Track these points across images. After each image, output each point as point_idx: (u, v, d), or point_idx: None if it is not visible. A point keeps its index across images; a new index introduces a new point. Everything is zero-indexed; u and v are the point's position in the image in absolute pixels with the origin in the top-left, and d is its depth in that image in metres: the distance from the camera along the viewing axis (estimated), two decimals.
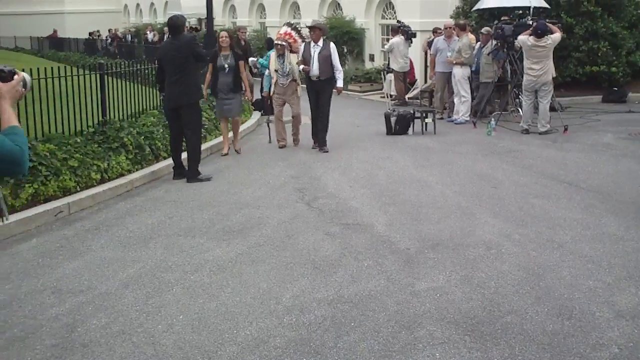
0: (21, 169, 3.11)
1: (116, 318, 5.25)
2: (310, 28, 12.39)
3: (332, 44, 12.36)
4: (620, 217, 7.70)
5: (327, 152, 11.94)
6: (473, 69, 15.24)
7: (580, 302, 5.40)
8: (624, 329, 4.92)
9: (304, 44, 12.45)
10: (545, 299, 5.47)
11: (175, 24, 10.02)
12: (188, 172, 9.94)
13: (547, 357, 4.52)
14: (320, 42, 12.17)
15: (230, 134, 12.29)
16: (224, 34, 12.04)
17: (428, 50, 17.66)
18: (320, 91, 12.21)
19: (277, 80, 12.43)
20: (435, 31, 17.42)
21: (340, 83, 12.36)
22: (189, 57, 9.80)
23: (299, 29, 13.02)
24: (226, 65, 11.55)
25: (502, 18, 14.87)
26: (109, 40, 35.51)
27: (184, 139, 10.09)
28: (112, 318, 5.25)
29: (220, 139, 12.50)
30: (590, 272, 6.04)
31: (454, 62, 15.08)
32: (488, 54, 14.80)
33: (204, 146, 11.65)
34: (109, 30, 38.53)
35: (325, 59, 12.06)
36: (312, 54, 12.15)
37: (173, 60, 9.81)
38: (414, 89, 19.20)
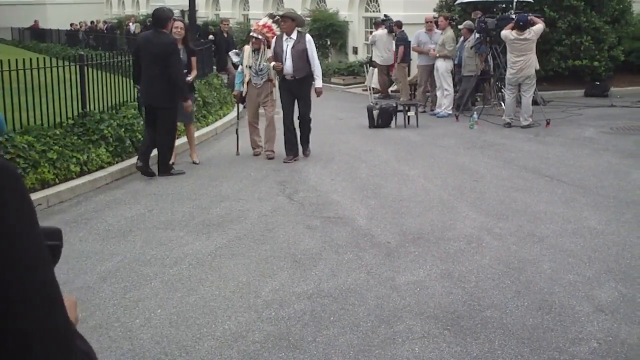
0: None
1: (93, 312, 5.19)
2: (281, 17, 10.63)
3: (308, 37, 10.64)
4: (601, 211, 7.71)
5: (308, 155, 10.84)
6: (456, 62, 15.24)
7: (560, 296, 5.40)
8: (603, 323, 4.92)
9: (275, 37, 10.69)
10: (525, 293, 5.46)
11: (160, 16, 9.47)
12: (160, 168, 9.61)
13: (527, 352, 4.51)
14: (294, 35, 10.45)
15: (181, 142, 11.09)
16: (178, 24, 10.30)
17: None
18: (297, 92, 10.58)
19: (250, 79, 10.86)
20: (397, 25, 17.65)
21: (318, 83, 10.58)
22: (162, 57, 9.22)
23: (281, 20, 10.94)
24: None
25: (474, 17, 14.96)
26: (81, 30, 35.46)
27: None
28: (89, 312, 5.18)
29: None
30: (570, 266, 6.04)
31: (437, 55, 15.08)
32: (471, 48, 14.79)
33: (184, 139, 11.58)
34: (91, 22, 38.28)
35: (300, 55, 10.34)
36: (284, 48, 10.43)
37: (151, 55, 9.27)
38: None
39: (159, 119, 9.46)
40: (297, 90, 10.56)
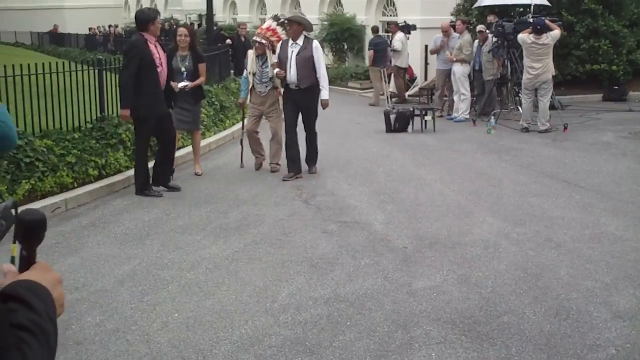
0: (5, 144, 3.06)
1: (111, 315, 5.22)
2: (287, 21, 9.72)
3: (315, 43, 9.63)
4: (619, 217, 7.67)
5: (315, 172, 9.88)
6: (476, 67, 15.18)
7: (578, 302, 5.37)
8: (621, 329, 4.89)
9: (281, 42, 9.78)
10: (543, 298, 5.44)
11: (138, 18, 8.78)
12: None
13: (544, 358, 4.49)
14: (300, 40, 9.49)
15: (183, 151, 10.72)
16: (182, 31, 9.84)
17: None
18: (302, 104, 9.62)
19: (253, 87, 10.06)
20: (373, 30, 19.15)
21: (325, 94, 9.62)
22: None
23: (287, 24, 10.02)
24: (183, 68, 9.62)
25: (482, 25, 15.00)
26: (98, 34, 35.93)
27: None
28: (106, 315, 5.22)
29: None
30: (588, 272, 6.01)
31: (455, 59, 15.05)
32: (488, 52, 14.77)
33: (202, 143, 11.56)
34: (109, 26, 38.57)
35: (305, 62, 9.41)
36: (289, 54, 9.52)
37: None
38: (413, 87, 19.18)
39: None
40: (301, 101, 9.61)
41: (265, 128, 10.46)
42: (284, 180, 9.56)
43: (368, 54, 18.26)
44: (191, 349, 4.67)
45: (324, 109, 9.76)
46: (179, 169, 10.23)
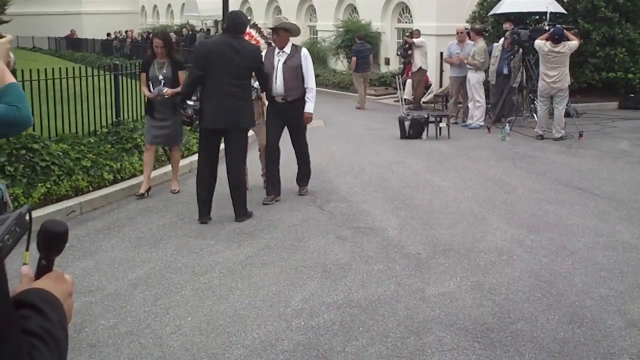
0: (20, 127, 3.13)
1: (124, 319, 5.25)
2: (273, 30, 8.66)
3: (304, 51, 8.76)
4: (635, 225, 7.63)
5: (305, 194, 9.06)
6: (505, 72, 15.05)
7: (592, 310, 5.34)
8: (635, 338, 4.86)
9: (267, 49, 8.95)
10: (557, 306, 5.42)
11: (236, 21, 7.85)
12: (237, 210, 7.95)
13: None
14: (288, 48, 8.61)
15: (160, 171, 9.96)
16: (158, 42, 8.95)
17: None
18: (289, 119, 8.73)
19: None
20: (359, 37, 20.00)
21: (309, 107, 8.65)
22: (251, 70, 7.80)
23: (260, 27, 9.59)
24: (161, 76, 8.87)
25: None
26: (116, 39, 36.29)
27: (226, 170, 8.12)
28: (120, 319, 5.24)
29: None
30: (602, 279, 5.98)
31: (467, 62, 15.01)
32: (505, 58, 14.75)
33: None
34: (125, 32, 38.84)
35: (293, 72, 8.53)
36: (275, 64, 8.60)
37: (230, 66, 7.58)
38: (428, 94, 19.18)
39: (232, 144, 7.93)
40: (289, 115, 8.71)
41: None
42: (264, 204, 8.66)
43: (352, 60, 19.22)
44: (204, 353, 4.68)
45: (306, 122, 8.83)
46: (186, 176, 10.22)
